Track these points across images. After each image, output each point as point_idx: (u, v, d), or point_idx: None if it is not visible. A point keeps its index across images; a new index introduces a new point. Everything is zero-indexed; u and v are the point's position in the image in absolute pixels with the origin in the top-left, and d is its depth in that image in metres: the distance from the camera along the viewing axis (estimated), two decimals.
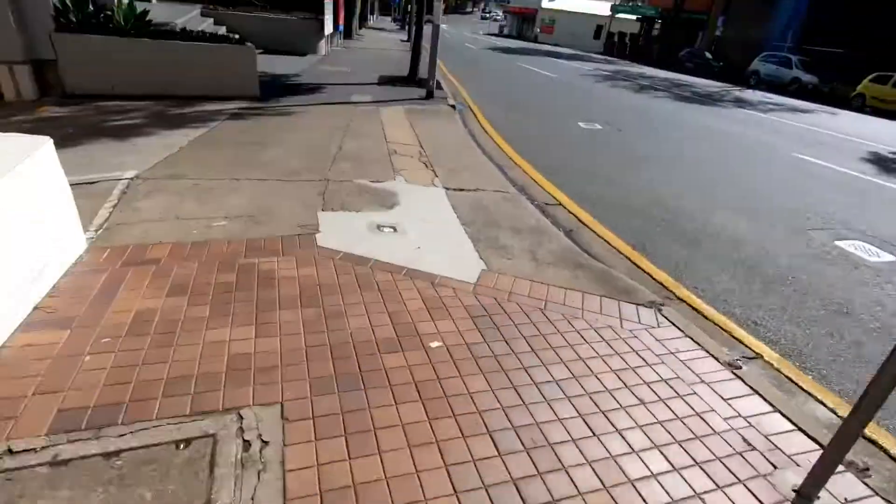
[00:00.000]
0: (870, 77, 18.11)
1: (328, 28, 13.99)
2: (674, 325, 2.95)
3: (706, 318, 3.25)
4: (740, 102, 15.81)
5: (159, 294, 2.61)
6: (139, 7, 7.40)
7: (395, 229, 3.79)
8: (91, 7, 7.09)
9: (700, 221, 4.90)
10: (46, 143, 2.59)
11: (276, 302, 2.65)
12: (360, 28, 26.00)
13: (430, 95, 9.62)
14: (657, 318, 3.00)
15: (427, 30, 11.52)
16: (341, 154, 5.46)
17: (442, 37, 9.66)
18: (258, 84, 7.80)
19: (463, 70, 16.06)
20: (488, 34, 52.30)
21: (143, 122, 5.88)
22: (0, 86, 6.28)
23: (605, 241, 4.26)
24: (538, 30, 51.61)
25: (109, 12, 7.01)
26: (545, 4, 52.47)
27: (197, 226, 3.46)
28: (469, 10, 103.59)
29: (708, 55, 27.76)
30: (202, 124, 5.99)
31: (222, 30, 11.78)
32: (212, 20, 11.99)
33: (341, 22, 16.67)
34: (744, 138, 9.58)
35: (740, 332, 3.13)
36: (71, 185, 4.02)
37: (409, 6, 26.74)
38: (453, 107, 9.09)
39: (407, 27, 28.18)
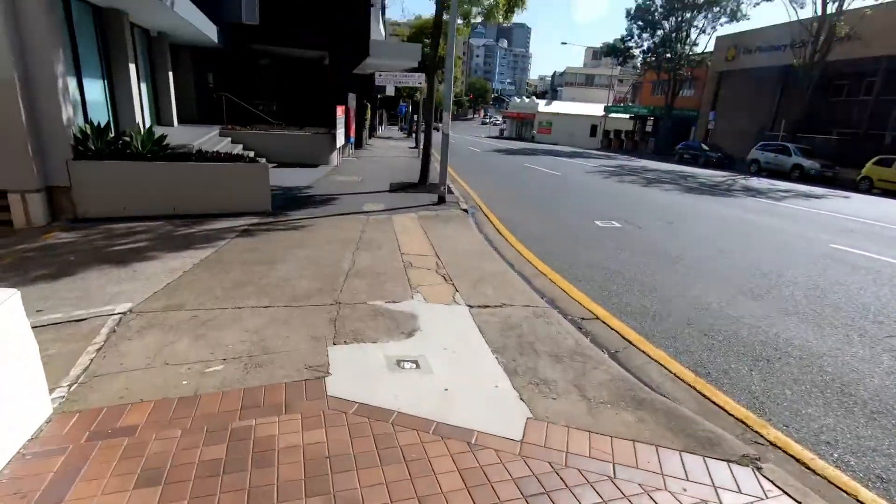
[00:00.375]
0: (873, 160, 18.33)
1: (340, 141, 14.61)
2: (786, 493, 2.27)
3: (816, 473, 2.57)
4: (750, 191, 15.82)
5: (126, 485, 2.04)
6: (158, 131, 7.62)
7: (417, 364, 3.26)
8: (111, 133, 7.29)
9: (761, 333, 4.32)
10: (11, 297, 2.20)
11: (274, 490, 2.06)
12: (369, 137, 27.52)
13: (441, 200, 9.58)
14: (760, 484, 2.33)
15: (435, 137, 11.93)
16: (354, 271, 5.10)
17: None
18: (270, 199, 7.76)
19: (470, 172, 16.46)
20: (489, 137, 55.47)
21: (149, 244, 5.65)
22: (10, 213, 6.22)
23: (660, 363, 3.67)
24: (535, 131, 54.94)
25: (128, 138, 7.16)
26: (541, 109, 56.46)
27: (188, 373, 2.97)
28: (470, 116, 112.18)
29: (704, 147, 28.77)
30: (209, 244, 5.75)
31: (238, 148, 12.27)
32: (229, 139, 12.53)
33: (352, 134, 17.52)
34: (769, 228, 9.25)
35: (867, 495, 2.43)
36: (56, 324, 3.66)
37: (416, 116, 28.56)
38: (466, 211, 8.98)
39: (414, 135, 29.90)
